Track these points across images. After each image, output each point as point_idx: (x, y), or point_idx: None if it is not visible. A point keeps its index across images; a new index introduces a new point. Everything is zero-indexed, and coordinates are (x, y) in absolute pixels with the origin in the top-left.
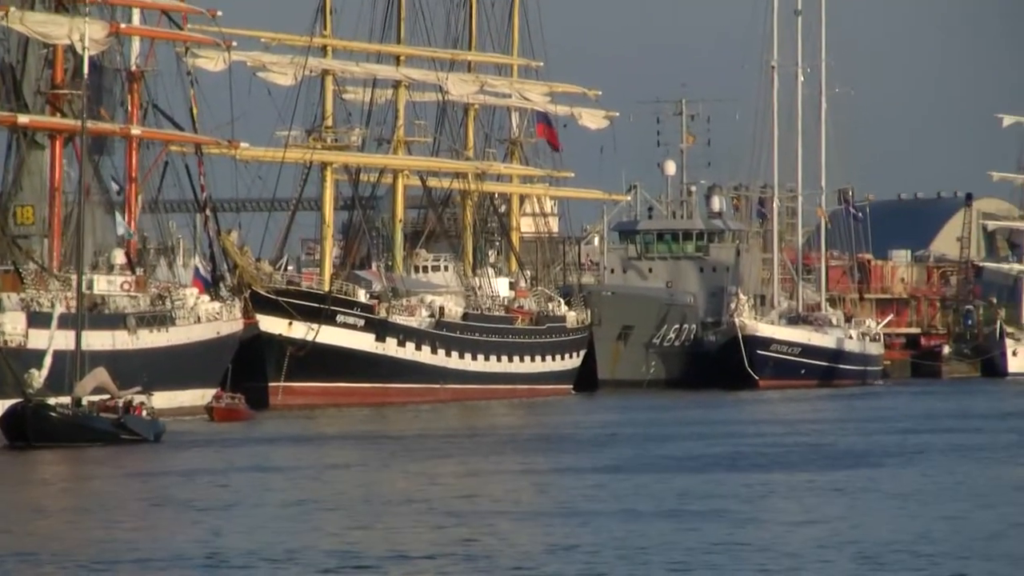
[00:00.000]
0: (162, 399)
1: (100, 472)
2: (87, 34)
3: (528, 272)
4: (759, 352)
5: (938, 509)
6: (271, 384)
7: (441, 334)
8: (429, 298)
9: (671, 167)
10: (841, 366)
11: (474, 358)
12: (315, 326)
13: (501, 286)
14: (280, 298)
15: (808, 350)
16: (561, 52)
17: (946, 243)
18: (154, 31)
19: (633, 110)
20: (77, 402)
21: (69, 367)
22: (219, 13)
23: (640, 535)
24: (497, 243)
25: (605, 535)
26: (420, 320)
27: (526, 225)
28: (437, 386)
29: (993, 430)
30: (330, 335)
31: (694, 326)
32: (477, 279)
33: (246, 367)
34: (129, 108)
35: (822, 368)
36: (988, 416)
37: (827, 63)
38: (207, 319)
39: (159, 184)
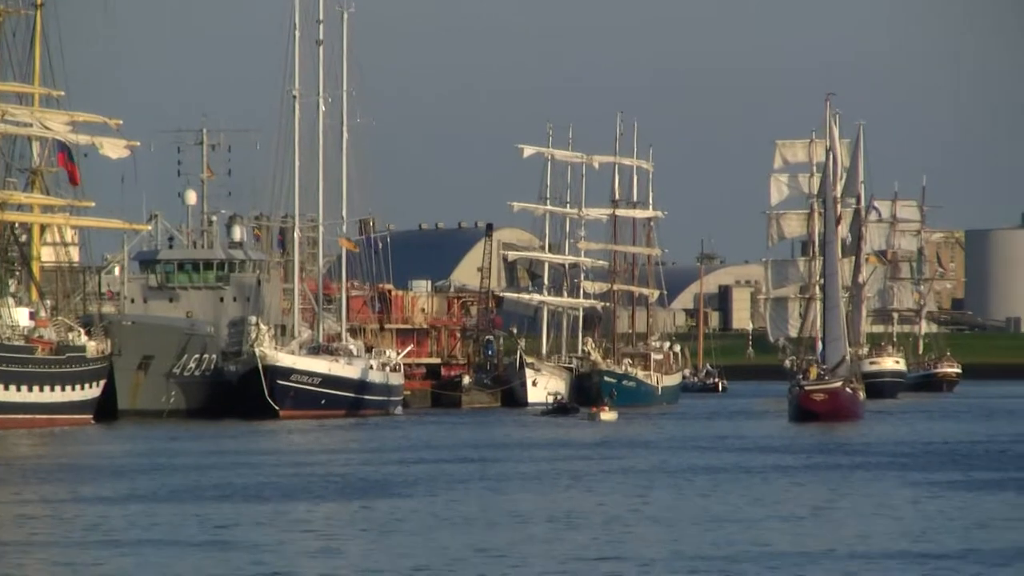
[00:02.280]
0: None
1: None
2: None
3: (49, 302)
4: (279, 382)
5: (432, 537)
6: None
7: None
8: None
9: (192, 197)
10: (363, 396)
11: None
12: None
13: (21, 316)
14: None
15: (329, 380)
16: (82, 82)
17: (467, 273)
18: None
19: (155, 139)
20: None
21: None
22: None
23: (167, 564)
24: (17, 273)
25: (131, 564)
26: None
27: (47, 254)
28: None
29: (508, 459)
30: None
31: (215, 356)
32: None
33: None
34: None
35: (344, 398)
36: (489, 446)
37: (348, 93)
38: None
39: None
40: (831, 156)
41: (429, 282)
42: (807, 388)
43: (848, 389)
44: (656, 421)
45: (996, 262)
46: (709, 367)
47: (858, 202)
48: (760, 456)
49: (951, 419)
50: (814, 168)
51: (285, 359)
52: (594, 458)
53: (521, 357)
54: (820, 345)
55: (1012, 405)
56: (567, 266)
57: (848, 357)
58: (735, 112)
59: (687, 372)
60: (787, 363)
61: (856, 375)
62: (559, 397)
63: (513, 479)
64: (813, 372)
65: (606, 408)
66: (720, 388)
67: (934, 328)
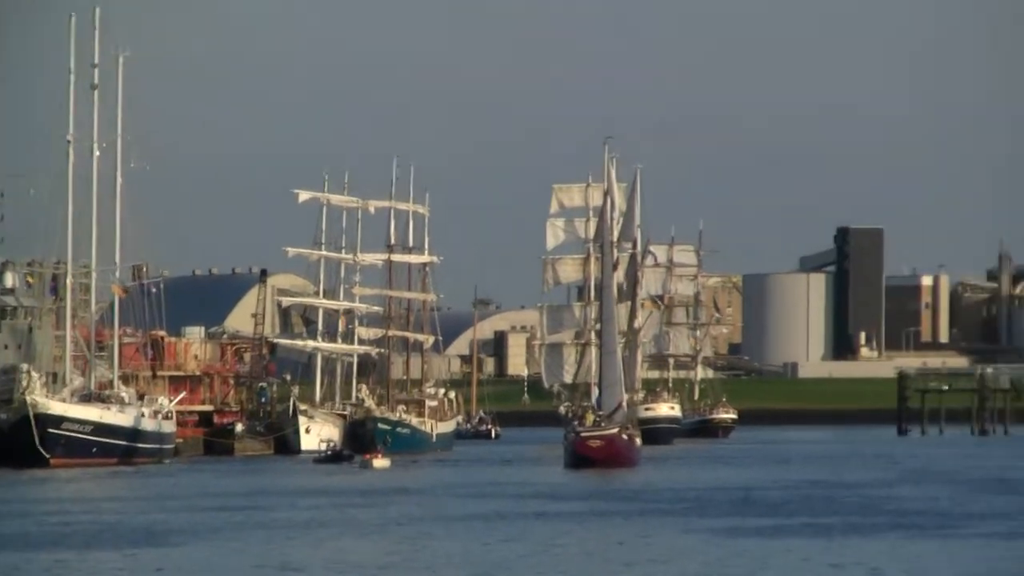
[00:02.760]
0: None
1: None
2: None
3: None
4: (50, 430)
5: None
6: None
7: None
8: None
9: None
10: (135, 444)
11: None
12: None
13: None
14: None
15: (101, 428)
16: None
17: (241, 319)
18: None
19: None
20: None
21: None
22: None
23: None
24: None
25: None
26: None
27: None
28: None
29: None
30: None
31: None
32: None
33: None
34: None
35: (116, 446)
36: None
37: (124, 138)
38: None
39: None
40: (608, 200)
41: (202, 328)
42: (583, 434)
43: (624, 435)
44: (430, 468)
45: (774, 307)
46: (482, 413)
47: (634, 247)
48: (535, 502)
49: (723, 465)
50: (591, 212)
51: (56, 407)
52: (366, 505)
53: (294, 404)
54: (596, 391)
55: (783, 451)
56: (341, 312)
57: (624, 403)
58: (513, 157)
59: (460, 419)
60: (562, 409)
61: (632, 421)
62: (332, 444)
63: (282, 527)
64: (589, 418)
65: (380, 455)
66: (493, 435)
67: (710, 373)
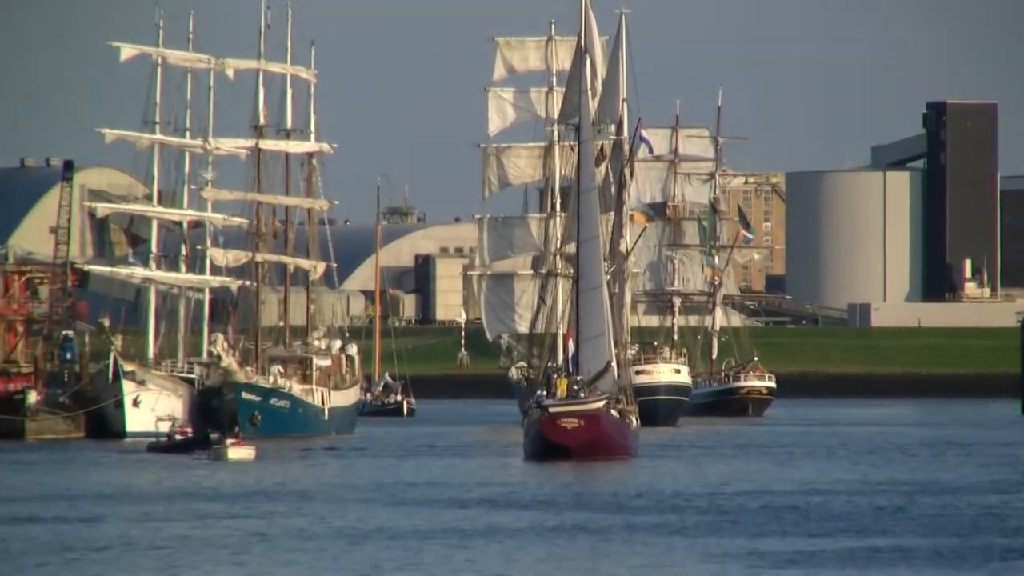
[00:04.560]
0: None
1: None
2: None
3: None
4: None
5: None
6: None
7: None
8: None
9: None
10: None
11: None
12: None
13: None
14: None
15: None
16: None
17: (34, 235)
18: None
19: None
20: None
21: None
22: None
23: None
24: None
25: None
26: None
27: None
28: None
29: None
30: None
31: None
32: None
33: None
34: None
35: None
36: None
37: None
38: None
39: None
40: (583, 56)
41: None
42: (553, 410)
43: (614, 412)
44: (317, 460)
45: (833, 220)
46: (387, 377)
47: (619, 131)
48: (481, 513)
49: (757, 456)
50: (553, 79)
51: None
52: (224, 516)
53: (116, 363)
54: (571, 346)
55: (846, 437)
56: (186, 225)
57: (615, 364)
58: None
59: (363, 386)
60: (513, 372)
61: (627, 392)
62: (176, 423)
63: (96, 547)
64: (562, 386)
65: (239, 440)
66: (404, 409)
67: (736, 320)
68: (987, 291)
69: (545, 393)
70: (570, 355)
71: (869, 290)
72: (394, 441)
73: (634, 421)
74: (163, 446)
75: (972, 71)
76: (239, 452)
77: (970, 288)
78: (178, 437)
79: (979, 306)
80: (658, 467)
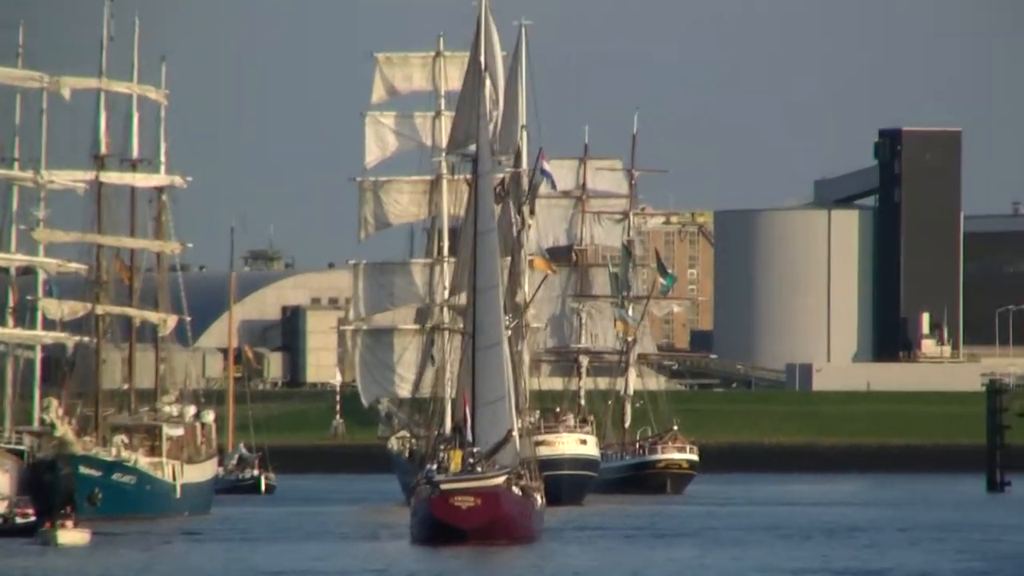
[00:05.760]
0: None
1: None
2: None
3: None
4: None
5: None
6: None
7: None
8: None
9: None
10: None
11: None
12: None
13: None
14: None
15: None
16: None
17: None
18: None
19: None
20: None
21: None
22: None
23: None
24: None
25: None
26: None
27: None
28: None
29: None
30: None
31: None
32: None
33: None
34: None
35: None
36: None
37: None
38: None
39: None
40: (486, 76)
41: None
42: (446, 488)
43: (516, 489)
44: (163, 547)
45: (770, 267)
46: (242, 448)
47: (517, 163)
48: None
49: (678, 542)
50: (442, 101)
51: None
52: None
53: None
54: (467, 414)
55: (784, 517)
56: (14, 272)
57: (517, 433)
58: (313, 8)
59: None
60: (393, 443)
61: (531, 466)
62: (11, 501)
63: None
64: (455, 459)
65: (69, 521)
66: (264, 486)
67: (654, 383)
68: (948, 349)
69: (436, 467)
70: (464, 422)
71: (811, 348)
72: (265, 521)
73: (539, 499)
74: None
75: (931, 94)
76: (71, 536)
77: (928, 346)
78: (19, 520)
79: (939, 367)
80: (572, 552)
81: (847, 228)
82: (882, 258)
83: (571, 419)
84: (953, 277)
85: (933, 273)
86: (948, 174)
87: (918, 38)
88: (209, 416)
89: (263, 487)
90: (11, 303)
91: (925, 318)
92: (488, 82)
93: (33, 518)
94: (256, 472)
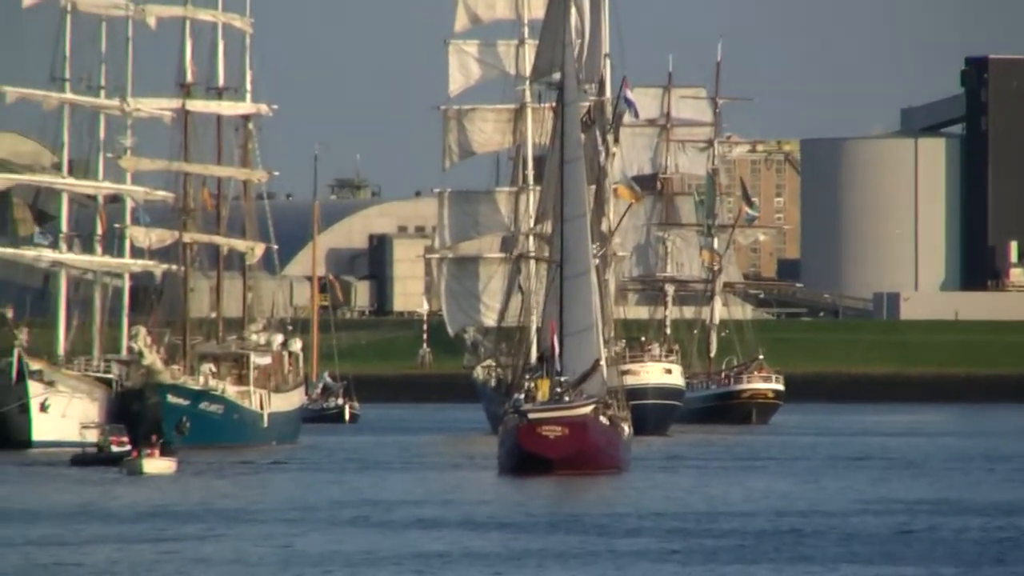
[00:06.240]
0: None
1: None
2: None
3: None
4: None
5: None
6: None
7: None
8: None
9: None
10: None
11: None
12: None
13: None
14: None
15: None
16: None
17: None
18: None
19: None
20: None
21: None
22: None
23: None
24: None
25: None
26: None
27: None
28: None
29: None
30: None
31: None
32: None
33: None
34: None
35: None
36: None
37: None
38: None
39: None
40: (570, 4)
41: None
42: (533, 417)
43: (603, 419)
44: (253, 477)
45: (856, 196)
46: (327, 377)
47: (600, 91)
48: (437, 536)
49: (764, 472)
50: (525, 31)
51: None
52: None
53: (21, 362)
54: (555, 343)
55: (869, 447)
56: (102, 200)
57: (604, 363)
58: None
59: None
60: (478, 372)
61: (619, 396)
62: (105, 429)
63: None
64: (543, 389)
65: (155, 450)
66: (348, 415)
67: (740, 312)
68: None
69: (523, 396)
70: (539, 352)
71: (898, 277)
72: (350, 451)
73: (626, 430)
74: (87, 458)
75: (1018, 21)
76: (156, 465)
77: (1016, 275)
78: (114, 448)
79: None
80: (658, 482)
81: (934, 156)
82: (969, 186)
83: (656, 348)
84: None
85: (1021, 201)
86: None
87: None
88: (296, 345)
89: (347, 416)
90: (99, 231)
91: (1013, 246)
92: (572, 10)
93: (128, 447)
94: (340, 401)
